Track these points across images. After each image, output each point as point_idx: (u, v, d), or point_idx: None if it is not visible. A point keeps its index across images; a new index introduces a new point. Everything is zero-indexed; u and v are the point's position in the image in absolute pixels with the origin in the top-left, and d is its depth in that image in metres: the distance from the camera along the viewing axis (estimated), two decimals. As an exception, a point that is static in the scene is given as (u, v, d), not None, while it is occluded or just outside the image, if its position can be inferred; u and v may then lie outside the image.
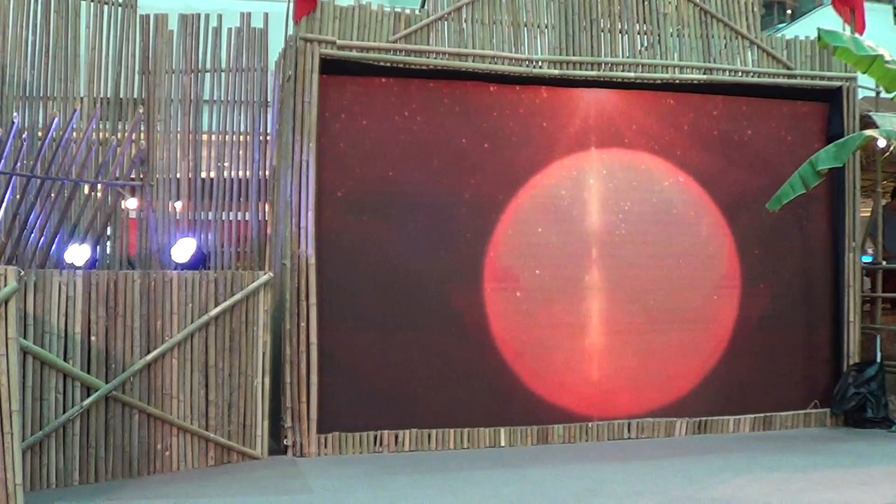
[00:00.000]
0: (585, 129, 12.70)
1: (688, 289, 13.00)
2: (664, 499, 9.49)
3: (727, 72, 13.18)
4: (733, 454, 11.64)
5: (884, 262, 14.72)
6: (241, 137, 13.60)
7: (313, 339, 11.43)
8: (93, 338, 9.86)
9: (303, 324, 11.43)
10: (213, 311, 10.74)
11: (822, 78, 13.51)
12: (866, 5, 13.97)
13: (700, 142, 13.13)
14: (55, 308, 9.60)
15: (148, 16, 13.46)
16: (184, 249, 12.05)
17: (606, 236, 12.73)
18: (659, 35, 13.04)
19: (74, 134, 12.24)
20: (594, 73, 12.67)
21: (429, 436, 11.91)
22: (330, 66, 11.78)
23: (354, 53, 11.88)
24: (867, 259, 15.48)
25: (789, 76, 13.38)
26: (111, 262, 13.05)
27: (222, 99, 13.57)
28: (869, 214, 15.63)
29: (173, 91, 13.47)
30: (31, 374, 9.33)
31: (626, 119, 12.87)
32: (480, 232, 12.28)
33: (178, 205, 13.38)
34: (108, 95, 13.30)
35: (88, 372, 9.77)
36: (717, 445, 12.23)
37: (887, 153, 13.39)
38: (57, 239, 11.96)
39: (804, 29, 16.36)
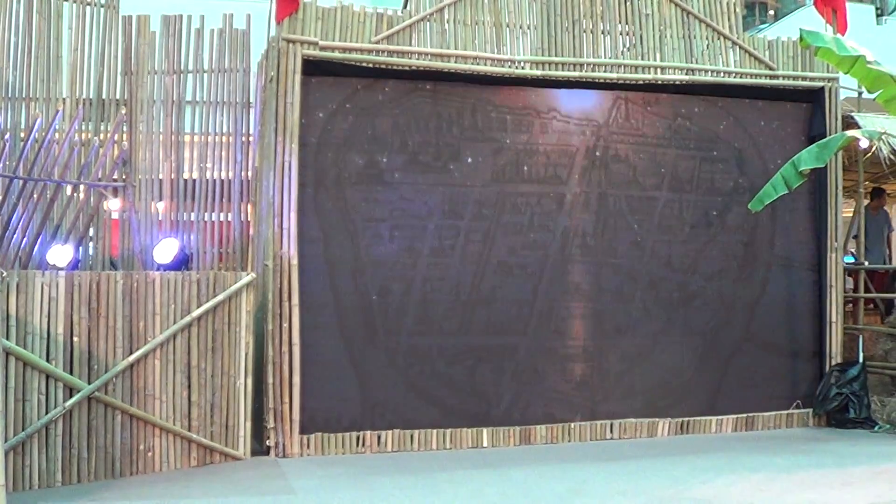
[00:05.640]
0: (569, 130, 12.73)
1: (670, 290, 13.05)
2: (647, 499, 9.51)
3: (709, 72, 13.20)
4: (716, 454, 11.66)
5: (866, 263, 14.78)
6: (224, 138, 13.56)
7: (296, 339, 11.44)
8: (75, 339, 9.85)
9: (285, 324, 11.44)
10: (196, 312, 10.73)
11: (804, 78, 13.55)
12: (848, 6, 14.01)
13: (682, 142, 13.16)
14: (37, 309, 9.60)
15: (130, 17, 13.40)
16: (166, 250, 12.03)
17: (590, 237, 12.75)
18: (641, 36, 13.06)
19: (57, 135, 12.22)
20: (576, 73, 12.69)
21: (411, 436, 11.92)
22: (312, 67, 11.78)
23: (337, 54, 11.88)
24: (849, 259, 15.55)
25: (772, 77, 13.42)
26: (94, 262, 13.00)
27: (204, 100, 13.52)
28: (852, 214, 15.71)
29: (156, 92, 13.41)
30: (14, 374, 9.33)
31: (609, 119, 12.89)
32: (464, 232, 12.30)
33: (161, 206, 13.34)
34: (91, 96, 13.24)
35: (71, 373, 9.76)
36: (700, 446, 12.25)
37: (869, 154, 13.42)
38: (39, 240, 11.93)
39: (786, 29, 16.40)
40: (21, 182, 11.68)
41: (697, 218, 13.20)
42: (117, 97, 13.35)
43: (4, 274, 9.14)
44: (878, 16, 27.89)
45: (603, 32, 12.95)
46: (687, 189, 13.17)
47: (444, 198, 12.27)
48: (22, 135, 12.73)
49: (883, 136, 12.48)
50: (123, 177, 13.14)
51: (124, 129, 13.19)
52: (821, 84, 13.56)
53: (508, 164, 12.52)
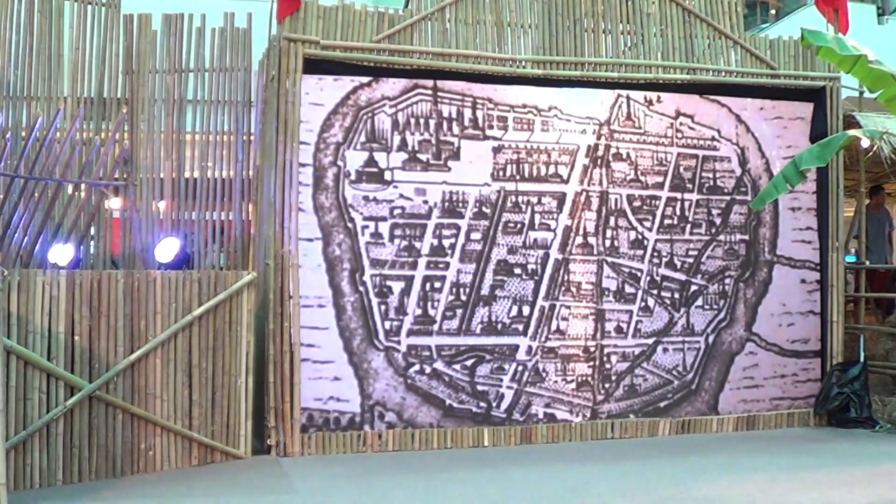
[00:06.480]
0: (570, 129, 12.73)
1: (672, 289, 13.04)
2: (648, 499, 9.51)
3: (711, 72, 13.21)
4: (717, 454, 11.66)
5: (867, 262, 14.78)
6: (225, 137, 13.55)
7: (296, 338, 11.45)
8: (76, 337, 9.84)
9: (286, 323, 11.43)
10: (197, 311, 10.73)
11: (805, 78, 13.56)
12: (850, 5, 13.99)
13: (684, 141, 13.15)
14: (39, 308, 9.59)
15: (131, 15, 13.40)
16: (167, 249, 12.02)
17: (591, 236, 12.74)
18: (642, 35, 13.06)
19: (58, 134, 12.23)
20: (577, 72, 12.69)
21: (412, 435, 11.92)
22: (313, 66, 11.79)
23: (338, 53, 11.89)
24: (851, 259, 15.54)
25: (773, 76, 13.42)
26: (95, 261, 13.01)
27: (206, 99, 13.51)
28: (853, 214, 15.70)
29: (157, 91, 13.40)
30: (15, 373, 9.32)
31: (611, 118, 12.89)
32: (465, 231, 12.30)
33: (162, 205, 13.34)
34: (92, 95, 13.24)
35: (72, 371, 9.76)
36: (701, 446, 12.25)
37: (870, 153, 13.41)
38: (41, 239, 11.93)
39: (788, 29, 16.38)
40: (22, 181, 11.68)
41: (699, 217, 13.19)
42: (118, 96, 13.35)
43: (6, 273, 9.13)
44: (879, 15, 27.89)
45: (604, 31, 12.95)
46: (688, 188, 13.16)
47: (444, 196, 12.26)
48: (23, 134, 12.73)
49: (884, 136, 12.45)
50: (125, 176, 13.14)
51: (125, 127, 13.19)
52: (822, 83, 13.56)
53: (509, 162, 12.52)
